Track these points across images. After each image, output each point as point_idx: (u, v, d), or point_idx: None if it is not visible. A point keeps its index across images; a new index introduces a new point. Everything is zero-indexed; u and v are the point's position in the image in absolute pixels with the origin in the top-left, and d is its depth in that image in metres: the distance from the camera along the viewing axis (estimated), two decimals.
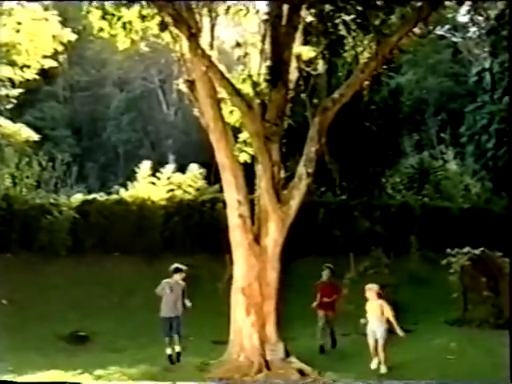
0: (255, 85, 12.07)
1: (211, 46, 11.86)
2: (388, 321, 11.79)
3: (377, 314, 11.74)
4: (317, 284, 13.96)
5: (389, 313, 11.69)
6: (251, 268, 11.24)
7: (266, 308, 11.14)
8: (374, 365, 11.43)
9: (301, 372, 10.54)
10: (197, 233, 23.46)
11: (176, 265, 12.64)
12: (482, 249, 17.76)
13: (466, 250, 17.93)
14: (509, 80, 28.49)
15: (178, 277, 12.37)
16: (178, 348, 12.05)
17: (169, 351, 12.02)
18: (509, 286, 15.94)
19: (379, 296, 11.90)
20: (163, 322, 12.25)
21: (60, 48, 21.60)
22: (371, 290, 12.06)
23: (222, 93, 11.80)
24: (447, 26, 38.16)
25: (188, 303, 12.13)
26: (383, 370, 11.31)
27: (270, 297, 11.19)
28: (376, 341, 11.65)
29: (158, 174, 24.63)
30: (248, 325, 11.04)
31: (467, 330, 15.88)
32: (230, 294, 11.65)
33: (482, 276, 17.34)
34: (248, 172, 11.99)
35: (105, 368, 11.76)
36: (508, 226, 19.87)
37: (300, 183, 11.51)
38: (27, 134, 24.78)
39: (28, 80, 22.58)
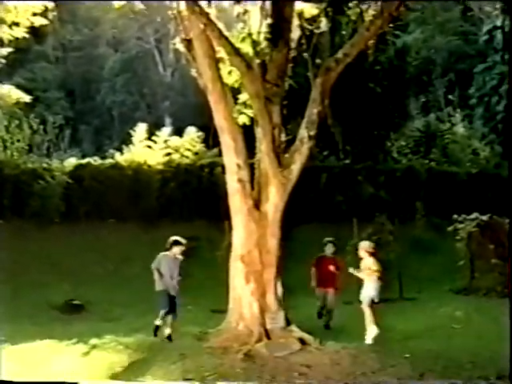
0: (255, 44, 11.94)
1: (209, 3, 11.72)
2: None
3: (369, 272, 11.79)
4: (315, 258, 13.56)
5: (373, 267, 11.68)
6: (251, 234, 11.25)
7: (266, 276, 11.17)
8: (372, 332, 11.30)
9: (302, 341, 10.60)
10: (195, 198, 23.49)
11: (175, 237, 12.28)
12: (490, 215, 17.79)
13: (473, 216, 17.96)
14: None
15: (177, 250, 12.10)
16: (168, 330, 11.77)
17: (158, 322, 11.81)
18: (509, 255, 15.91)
19: (371, 254, 11.87)
20: (159, 296, 12.01)
21: (50, 5, 21.34)
22: (362, 248, 12.06)
23: (221, 52, 11.68)
24: None
25: (177, 277, 11.83)
26: (374, 329, 11.24)
27: (270, 264, 11.21)
28: (373, 304, 11.66)
29: (154, 138, 24.58)
30: (247, 293, 11.08)
31: (473, 298, 15.99)
32: (228, 262, 11.69)
33: (490, 243, 17.40)
34: (248, 135, 11.92)
35: (100, 337, 11.85)
36: None
37: (302, 147, 11.45)
38: (17, 95, 24.68)
39: (17, 39, 22.37)
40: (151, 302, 15.48)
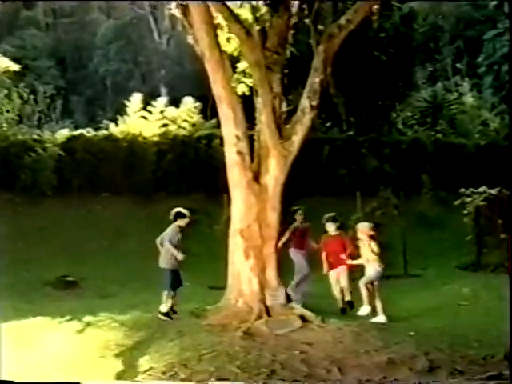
0: (255, 10, 11.86)
1: None
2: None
3: (369, 256, 11.78)
4: (322, 241, 13.03)
5: (374, 251, 11.70)
6: (250, 208, 11.26)
7: (266, 251, 11.20)
8: (363, 311, 11.47)
9: (303, 318, 10.67)
10: (192, 171, 23.50)
11: (178, 209, 12.14)
12: (499, 188, 17.79)
13: (481, 189, 17.97)
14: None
15: (180, 223, 11.98)
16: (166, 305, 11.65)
17: (168, 305, 11.63)
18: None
19: (371, 237, 11.81)
20: (168, 274, 11.83)
21: None
22: (361, 230, 11.97)
23: (219, 18, 11.61)
24: None
25: (179, 256, 11.65)
26: (383, 318, 11.22)
27: (271, 239, 11.23)
28: (372, 285, 11.75)
29: (149, 108, 24.51)
30: (247, 269, 11.12)
31: (481, 275, 16.06)
32: (227, 237, 11.72)
33: (499, 217, 17.42)
34: (247, 105, 11.89)
35: (94, 314, 11.91)
36: None
37: (303, 117, 11.42)
38: (6, 64, 24.53)
39: (4, 1, 22.22)
40: (147, 279, 15.60)
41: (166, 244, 11.78)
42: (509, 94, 21.23)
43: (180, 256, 11.62)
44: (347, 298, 12.49)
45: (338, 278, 12.67)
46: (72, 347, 9.60)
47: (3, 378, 7.22)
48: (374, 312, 11.47)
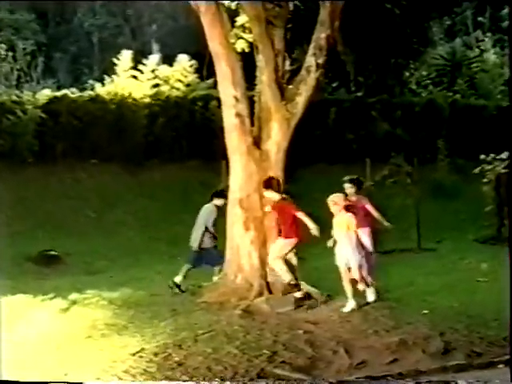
0: None
1: None
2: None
3: (345, 232, 10.50)
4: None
5: (350, 225, 10.52)
6: (250, 177, 11.25)
7: (268, 223, 11.22)
8: (348, 307, 10.18)
9: (307, 296, 10.72)
10: (187, 136, 23.45)
11: (217, 189, 12.70)
12: None
13: (503, 155, 17.92)
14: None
15: (218, 202, 12.34)
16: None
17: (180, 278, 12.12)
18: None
19: (346, 208, 10.63)
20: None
21: None
22: (332, 200, 10.72)
23: None
24: None
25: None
26: (371, 297, 10.56)
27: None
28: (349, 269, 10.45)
29: (140, 67, 24.36)
30: (247, 242, 11.15)
31: (501, 248, 16.06)
32: (225, 208, 11.74)
33: None
34: (247, 63, 11.84)
35: (81, 292, 11.97)
36: None
37: (308, 77, 11.37)
38: None
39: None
40: (138, 253, 15.68)
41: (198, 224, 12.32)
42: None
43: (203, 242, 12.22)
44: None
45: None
46: (56, 327, 9.65)
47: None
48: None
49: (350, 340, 8.57)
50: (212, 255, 12.18)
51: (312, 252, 13.82)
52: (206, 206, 12.40)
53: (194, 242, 12.28)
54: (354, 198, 11.50)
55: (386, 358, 7.90)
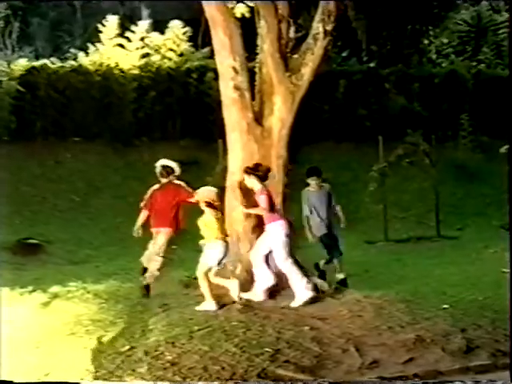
0: None
1: None
2: None
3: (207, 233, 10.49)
4: None
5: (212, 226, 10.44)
6: (251, 156, 11.23)
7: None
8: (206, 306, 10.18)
9: (314, 288, 10.75)
10: (180, 112, 23.45)
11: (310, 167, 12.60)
12: None
13: None
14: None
15: (312, 183, 12.39)
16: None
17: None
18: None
19: (209, 205, 10.43)
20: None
21: None
22: (200, 197, 10.61)
23: None
24: None
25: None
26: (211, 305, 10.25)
27: (276, 192, 11.20)
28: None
29: (128, 34, 24.30)
30: (247, 229, 11.16)
31: None
32: (223, 191, 11.73)
33: None
34: (247, 30, 11.81)
35: (63, 284, 12.01)
36: None
37: (315, 45, 11.33)
38: None
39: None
40: (126, 241, 15.67)
41: None
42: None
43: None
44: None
45: None
46: (36, 323, 9.66)
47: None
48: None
49: (361, 337, 8.58)
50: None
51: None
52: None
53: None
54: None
55: (401, 357, 7.91)
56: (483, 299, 10.45)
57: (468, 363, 7.71)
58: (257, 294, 10.56)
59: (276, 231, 10.52)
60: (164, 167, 11.81)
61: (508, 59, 24.60)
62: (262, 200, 10.51)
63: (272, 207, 10.59)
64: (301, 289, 10.29)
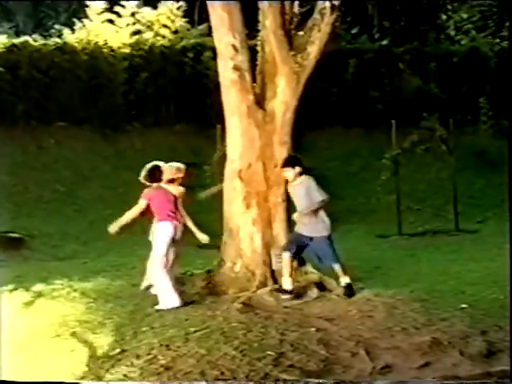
0: None
1: None
2: None
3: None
4: None
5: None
6: (252, 143, 11.25)
7: (273, 199, 11.23)
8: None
9: (320, 286, 10.77)
10: (175, 94, 23.43)
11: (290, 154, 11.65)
12: None
13: None
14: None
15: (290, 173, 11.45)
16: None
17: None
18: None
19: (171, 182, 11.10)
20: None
21: None
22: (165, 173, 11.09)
23: None
24: None
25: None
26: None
27: (279, 183, 11.23)
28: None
29: (117, 9, 24.27)
30: (248, 222, 11.17)
31: None
32: (221, 181, 11.75)
33: None
34: (248, 5, 11.81)
35: (47, 282, 12.04)
36: None
37: (322, 21, 11.32)
38: None
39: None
40: (114, 235, 15.66)
41: None
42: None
43: None
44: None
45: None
46: (17, 325, 9.67)
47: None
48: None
49: (371, 339, 8.59)
50: None
51: None
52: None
53: None
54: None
55: (415, 362, 7.92)
56: (504, 298, 10.45)
57: (489, 368, 7.70)
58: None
59: (161, 231, 10.77)
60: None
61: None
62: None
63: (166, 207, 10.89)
64: (167, 296, 10.44)
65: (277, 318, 9.54)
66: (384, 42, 25.30)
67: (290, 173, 10.96)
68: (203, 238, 11.09)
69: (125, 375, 7.50)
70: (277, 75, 11.37)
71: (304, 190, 10.87)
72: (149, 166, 11.10)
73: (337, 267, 10.81)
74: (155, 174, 10.97)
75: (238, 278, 11.00)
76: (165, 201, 10.86)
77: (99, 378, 7.44)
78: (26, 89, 22.80)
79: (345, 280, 10.75)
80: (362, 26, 24.78)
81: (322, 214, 10.85)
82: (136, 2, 24.67)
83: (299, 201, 10.94)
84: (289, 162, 11.06)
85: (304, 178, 10.99)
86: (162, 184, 10.96)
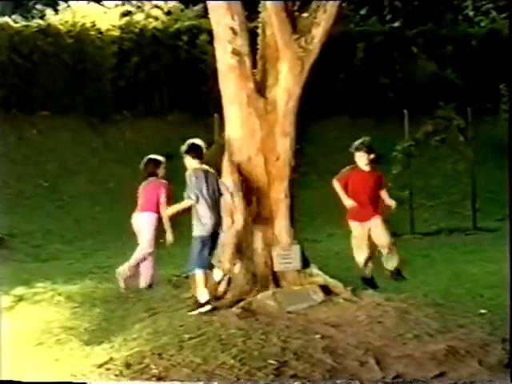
0: None
1: None
2: None
3: None
4: (343, 174, 12.57)
5: None
6: (252, 134, 11.24)
7: (275, 194, 11.22)
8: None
9: (326, 289, 10.78)
10: (168, 81, 23.43)
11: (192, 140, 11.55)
12: None
13: None
14: None
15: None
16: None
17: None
18: None
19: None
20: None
21: None
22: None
23: None
24: None
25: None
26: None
27: (281, 177, 11.24)
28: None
29: None
30: (247, 219, 11.20)
31: None
32: (219, 174, 11.75)
33: None
34: None
35: (29, 285, 12.05)
36: None
37: (328, 2, 11.34)
38: None
39: None
40: (103, 234, 15.72)
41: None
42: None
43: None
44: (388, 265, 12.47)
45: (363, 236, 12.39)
46: None
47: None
48: None
49: (382, 347, 8.61)
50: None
51: (329, 232, 13.93)
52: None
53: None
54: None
55: (429, 371, 7.94)
56: None
57: (509, 378, 7.73)
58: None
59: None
60: None
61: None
62: None
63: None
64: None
65: (279, 324, 9.55)
66: (396, 24, 25.31)
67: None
68: (169, 238, 11.98)
69: None
70: (279, 60, 11.36)
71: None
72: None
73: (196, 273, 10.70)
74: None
75: (237, 280, 10.99)
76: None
77: None
78: (5, 75, 22.79)
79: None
80: (372, 6, 24.78)
81: (201, 212, 10.90)
82: None
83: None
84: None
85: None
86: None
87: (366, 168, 12.38)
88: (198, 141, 11.41)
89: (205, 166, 11.19)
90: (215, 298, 10.57)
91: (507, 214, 18.33)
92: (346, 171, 12.52)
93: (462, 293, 11.29)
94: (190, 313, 10.14)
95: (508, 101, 23.15)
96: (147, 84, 23.43)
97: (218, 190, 10.99)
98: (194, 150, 11.19)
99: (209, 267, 10.77)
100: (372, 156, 12.42)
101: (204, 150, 11.35)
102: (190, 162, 11.10)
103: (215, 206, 10.92)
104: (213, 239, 10.81)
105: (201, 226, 10.70)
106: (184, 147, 11.18)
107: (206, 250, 10.71)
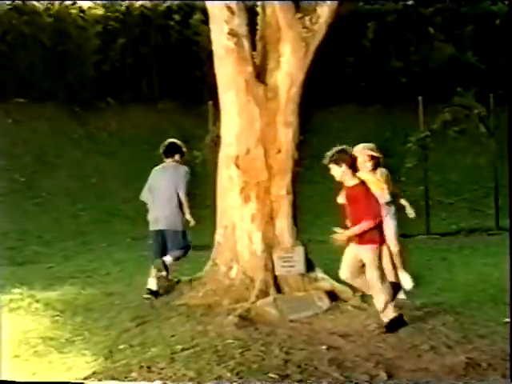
0: None
1: None
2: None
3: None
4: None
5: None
6: (251, 123, 11.27)
7: (276, 191, 11.25)
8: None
9: (333, 296, 10.80)
10: (158, 65, 23.45)
11: (171, 140, 12.43)
12: None
13: None
14: None
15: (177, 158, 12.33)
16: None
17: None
18: None
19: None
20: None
21: None
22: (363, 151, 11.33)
23: None
24: None
25: (188, 216, 12.11)
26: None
27: (283, 171, 11.26)
28: None
29: None
30: (246, 218, 11.21)
31: None
32: (215, 169, 11.77)
33: None
34: None
35: (4, 291, 12.05)
36: None
37: None
38: None
39: None
40: (87, 234, 15.73)
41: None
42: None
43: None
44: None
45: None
46: None
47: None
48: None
49: (394, 360, 8.61)
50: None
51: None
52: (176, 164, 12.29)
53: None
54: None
55: None
56: None
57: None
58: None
59: None
60: None
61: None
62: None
63: None
64: None
65: (280, 333, 9.57)
66: (409, 2, 25.31)
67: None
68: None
69: None
70: (281, 42, 11.38)
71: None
72: None
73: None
74: None
75: (234, 285, 11.02)
76: None
77: None
78: None
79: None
80: None
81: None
82: None
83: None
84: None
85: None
86: None
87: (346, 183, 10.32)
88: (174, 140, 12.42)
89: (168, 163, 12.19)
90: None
91: None
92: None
93: (483, 300, 11.31)
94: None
95: None
96: (135, 68, 23.44)
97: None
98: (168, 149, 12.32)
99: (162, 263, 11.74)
100: (343, 167, 10.27)
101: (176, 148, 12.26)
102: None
103: (165, 203, 11.97)
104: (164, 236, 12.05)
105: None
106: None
107: (155, 244, 12.00)
